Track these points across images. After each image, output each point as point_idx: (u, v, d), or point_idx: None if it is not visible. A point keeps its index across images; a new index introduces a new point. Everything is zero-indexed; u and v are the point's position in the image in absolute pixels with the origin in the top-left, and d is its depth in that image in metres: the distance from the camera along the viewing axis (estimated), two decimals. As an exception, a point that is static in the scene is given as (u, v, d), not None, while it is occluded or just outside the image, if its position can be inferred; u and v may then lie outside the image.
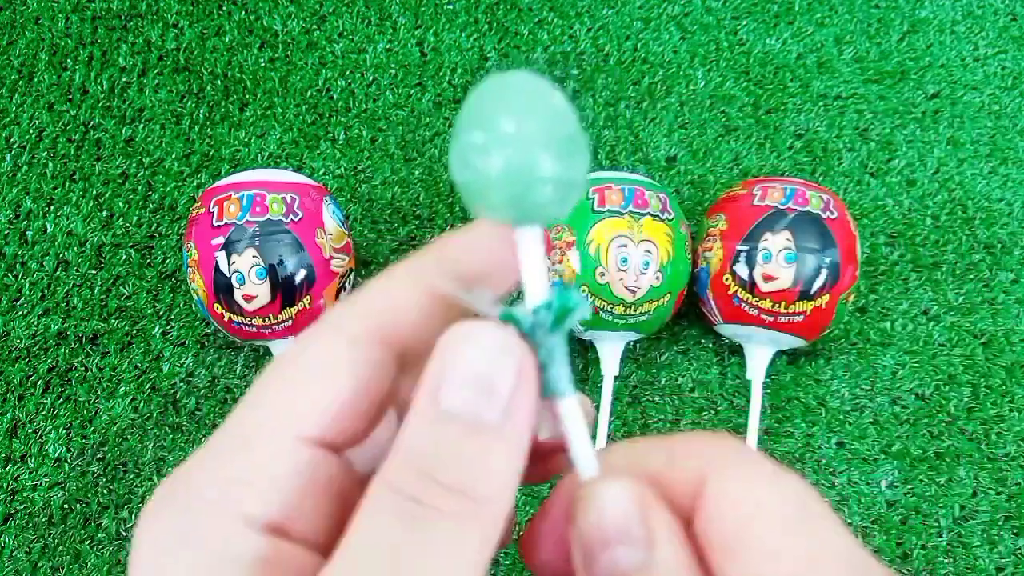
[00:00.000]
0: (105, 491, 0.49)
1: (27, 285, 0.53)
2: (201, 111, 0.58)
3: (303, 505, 0.15)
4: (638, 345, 0.52)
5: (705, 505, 0.17)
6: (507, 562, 0.47)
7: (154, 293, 0.53)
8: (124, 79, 0.59)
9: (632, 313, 0.46)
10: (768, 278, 0.45)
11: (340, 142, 0.57)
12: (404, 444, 0.15)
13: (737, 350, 0.52)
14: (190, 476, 0.16)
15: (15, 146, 0.57)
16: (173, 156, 0.57)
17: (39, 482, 0.49)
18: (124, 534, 0.48)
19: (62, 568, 0.47)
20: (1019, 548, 0.47)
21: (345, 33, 0.61)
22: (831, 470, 0.49)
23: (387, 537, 0.14)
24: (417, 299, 0.17)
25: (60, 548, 0.47)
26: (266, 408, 0.16)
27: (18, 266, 0.54)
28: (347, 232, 0.48)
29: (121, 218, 0.55)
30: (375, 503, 0.15)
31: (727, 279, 0.47)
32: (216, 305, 0.45)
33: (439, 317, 0.17)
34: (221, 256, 0.44)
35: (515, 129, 0.17)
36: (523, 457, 0.16)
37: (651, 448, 0.18)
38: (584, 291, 0.45)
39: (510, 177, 0.17)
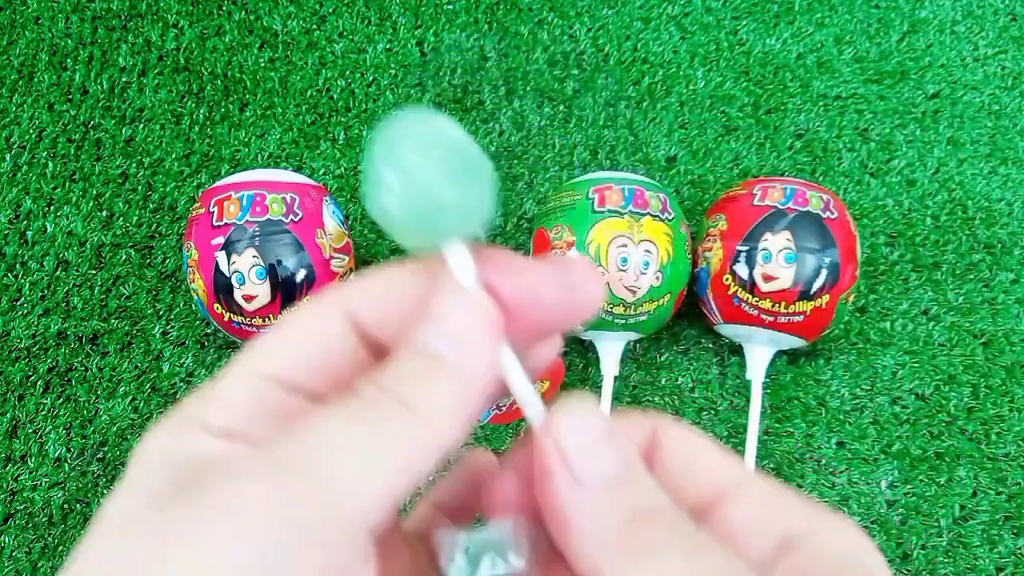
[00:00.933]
0: (105, 491, 0.49)
1: (27, 285, 0.53)
2: (201, 111, 0.58)
3: (255, 420, 0.18)
4: (638, 345, 0.52)
5: (660, 444, 0.21)
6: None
7: (154, 293, 0.53)
8: (124, 79, 0.59)
9: (632, 313, 0.46)
10: (768, 278, 0.45)
11: (340, 142, 0.57)
12: (375, 372, 0.18)
13: (737, 350, 0.52)
14: (182, 405, 0.20)
15: (15, 146, 0.57)
16: (173, 156, 0.57)
17: (39, 482, 0.49)
18: (124, 534, 0.48)
19: (62, 568, 0.47)
20: (1019, 548, 0.47)
21: (345, 33, 0.61)
22: (831, 470, 0.49)
23: (333, 425, 0.17)
24: (399, 294, 0.20)
25: (60, 548, 0.47)
26: (244, 352, 0.20)
27: (18, 266, 0.54)
28: (347, 232, 0.48)
29: (121, 218, 0.55)
30: (334, 402, 0.18)
31: (727, 279, 0.47)
32: (216, 305, 0.45)
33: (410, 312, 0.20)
34: (221, 256, 0.44)
35: (411, 163, 0.19)
36: (472, 396, 0.18)
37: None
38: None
39: (412, 209, 0.18)
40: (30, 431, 0.50)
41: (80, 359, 0.51)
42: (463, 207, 0.19)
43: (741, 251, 0.46)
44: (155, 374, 0.51)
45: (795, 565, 0.18)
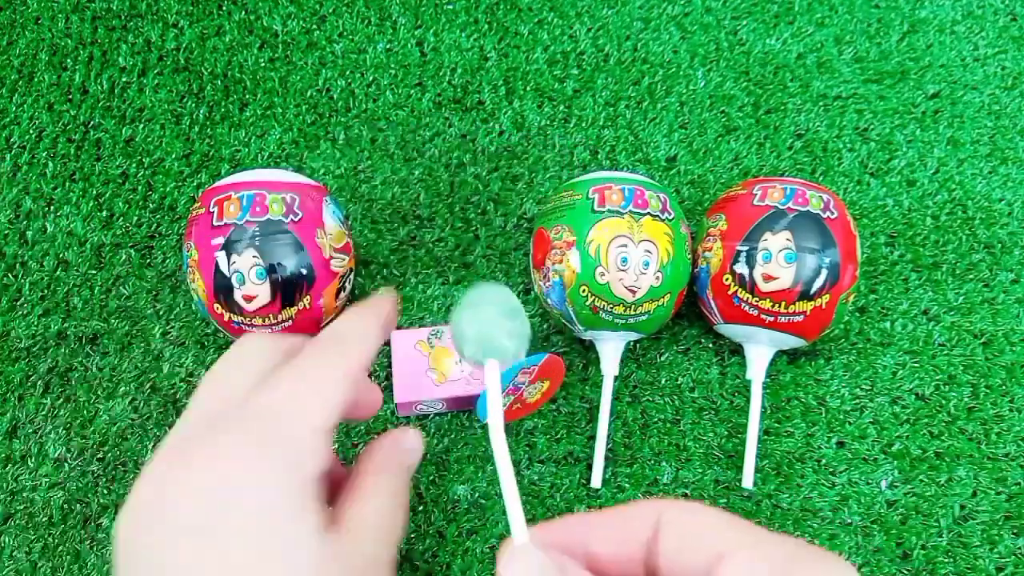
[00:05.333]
0: (105, 491, 0.49)
1: (27, 285, 0.53)
2: (201, 111, 0.58)
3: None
4: (638, 345, 0.52)
5: (663, 532, 0.24)
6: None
7: (154, 293, 0.53)
8: (124, 79, 0.59)
9: (632, 313, 0.46)
10: (768, 278, 0.45)
11: (340, 142, 0.57)
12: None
13: (737, 350, 0.52)
14: (236, 404, 0.29)
15: (15, 146, 0.57)
16: (173, 156, 0.57)
17: (39, 482, 0.49)
18: (124, 534, 0.48)
19: (62, 568, 0.47)
20: (1019, 548, 0.47)
21: (345, 33, 0.61)
22: (831, 470, 0.49)
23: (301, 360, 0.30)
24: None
25: (60, 548, 0.47)
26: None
27: (18, 266, 0.54)
28: (347, 232, 0.48)
29: (121, 218, 0.55)
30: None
31: (727, 279, 0.47)
32: (216, 305, 0.45)
33: None
34: (221, 256, 0.44)
35: (484, 320, 0.33)
36: (375, 331, 0.32)
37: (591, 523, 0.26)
38: (584, 291, 0.45)
39: (481, 352, 0.32)
40: (30, 431, 0.50)
41: (80, 359, 0.51)
42: (513, 352, 0.33)
43: (741, 251, 0.46)
44: (155, 374, 0.51)
45: None
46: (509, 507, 0.26)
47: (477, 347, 0.33)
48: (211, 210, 0.44)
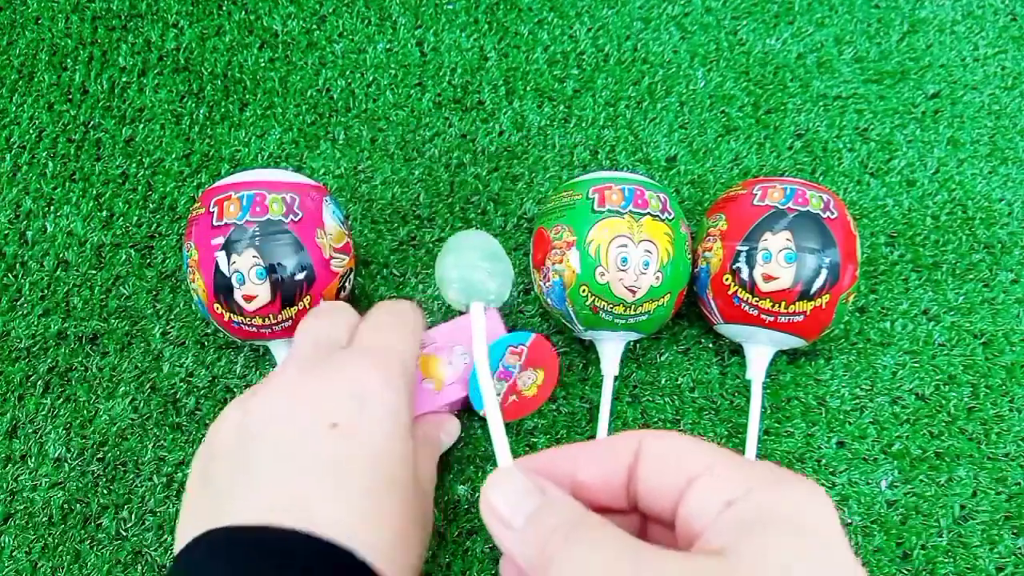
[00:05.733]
0: (105, 491, 0.49)
1: (27, 285, 0.53)
2: (201, 111, 0.58)
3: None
4: (638, 345, 0.52)
5: (643, 460, 0.26)
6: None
7: (154, 293, 0.53)
8: (124, 79, 0.59)
9: (632, 313, 0.46)
10: (768, 278, 0.45)
11: (340, 142, 0.57)
12: None
13: (737, 350, 0.52)
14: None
15: (15, 146, 0.57)
16: (173, 156, 0.57)
17: (39, 482, 0.49)
18: (124, 534, 0.48)
19: (62, 568, 0.47)
20: (1019, 548, 0.47)
21: (345, 33, 0.61)
22: (831, 470, 0.49)
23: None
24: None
25: (60, 548, 0.47)
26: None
27: (18, 266, 0.54)
28: (347, 232, 0.48)
29: (121, 218, 0.55)
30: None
31: (727, 279, 0.47)
32: (216, 305, 0.45)
33: None
34: (221, 256, 0.44)
35: (468, 264, 0.36)
36: (413, 340, 0.39)
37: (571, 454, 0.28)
38: (584, 291, 0.45)
39: (465, 292, 0.35)
40: (30, 431, 0.50)
41: (80, 359, 0.51)
42: (496, 292, 0.37)
43: (741, 251, 0.46)
44: (155, 374, 0.51)
45: (729, 518, 0.22)
46: (494, 436, 0.28)
47: (461, 289, 0.35)
48: (211, 210, 0.44)
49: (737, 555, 0.21)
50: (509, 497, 0.25)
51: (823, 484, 0.48)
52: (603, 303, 0.45)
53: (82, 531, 0.48)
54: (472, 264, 0.35)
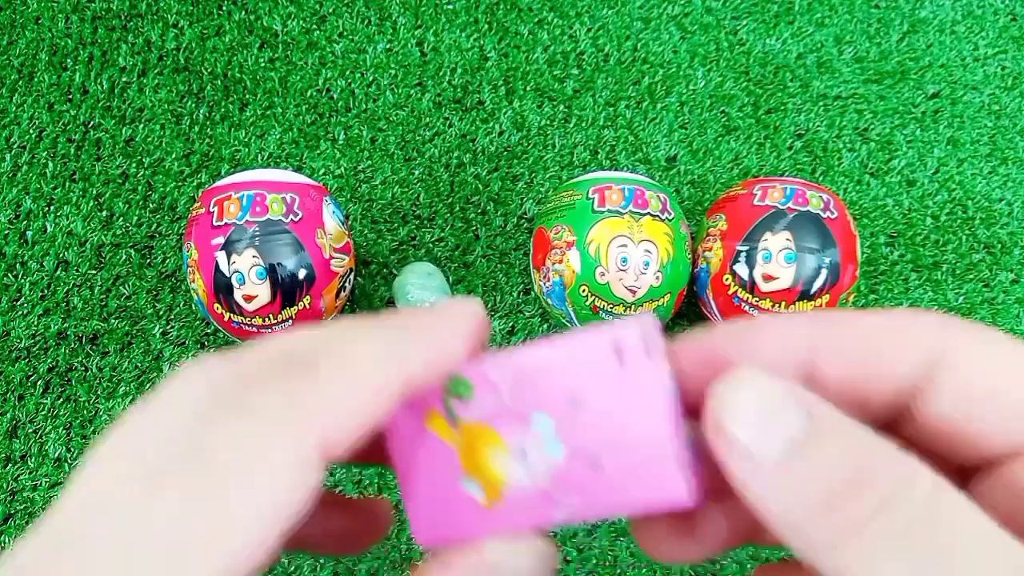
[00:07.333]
0: (105, 491, 0.48)
1: (27, 285, 0.53)
2: (201, 111, 0.58)
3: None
4: (638, 345, 0.52)
5: (940, 381, 0.16)
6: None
7: (154, 293, 0.53)
8: (124, 79, 0.59)
9: (632, 313, 0.46)
10: (768, 278, 0.45)
11: (340, 142, 0.57)
12: None
13: (737, 350, 0.51)
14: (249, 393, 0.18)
15: (15, 146, 0.57)
16: (173, 156, 0.57)
17: (39, 482, 0.49)
18: (124, 534, 0.48)
19: (62, 568, 0.47)
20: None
21: (345, 33, 0.61)
22: (831, 470, 0.49)
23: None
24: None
25: (60, 548, 0.47)
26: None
27: (18, 266, 0.54)
28: (347, 232, 0.48)
29: (121, 218, 0.55)
30: None
31: (727, 279, 0.47)
32: (216, 305, 0.45)
33: None
34: (221, 256, 0.44)
35: (415, 286, 0.47)
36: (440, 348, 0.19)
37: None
38: (584, 291, 0.45)
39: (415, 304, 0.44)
40: (30, 431, 0.50)
41: (80, 359, 0.51)
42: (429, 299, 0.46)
43: (741, 251, 0.46)
44: (155, 374, 0.51)
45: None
46: None
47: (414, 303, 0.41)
48: (211, 210, 0.44)
49: None
50: (753, 417, 0.15)
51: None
52: (603, 303, 0.45)
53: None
54: (420, 297, 0.43)
